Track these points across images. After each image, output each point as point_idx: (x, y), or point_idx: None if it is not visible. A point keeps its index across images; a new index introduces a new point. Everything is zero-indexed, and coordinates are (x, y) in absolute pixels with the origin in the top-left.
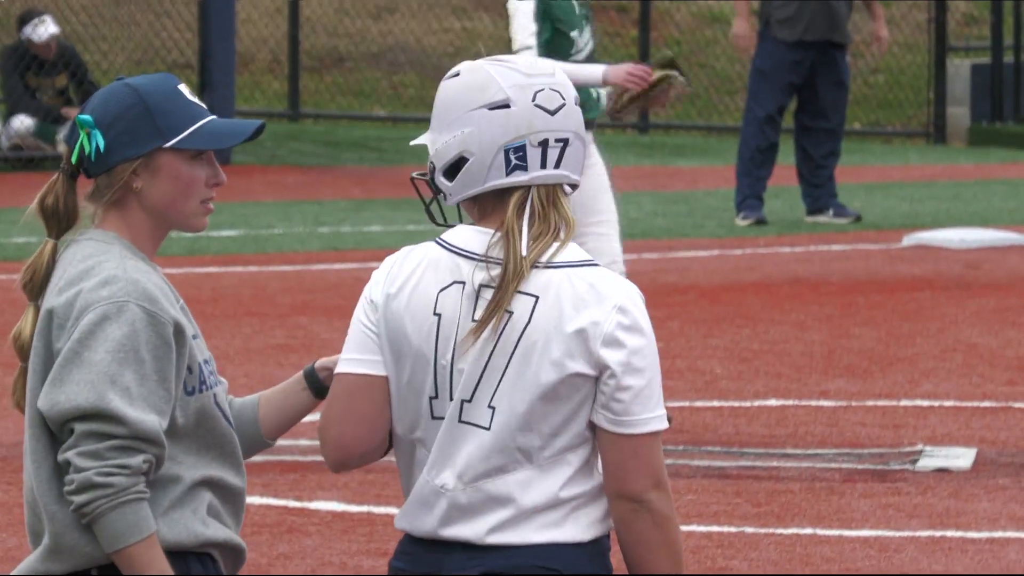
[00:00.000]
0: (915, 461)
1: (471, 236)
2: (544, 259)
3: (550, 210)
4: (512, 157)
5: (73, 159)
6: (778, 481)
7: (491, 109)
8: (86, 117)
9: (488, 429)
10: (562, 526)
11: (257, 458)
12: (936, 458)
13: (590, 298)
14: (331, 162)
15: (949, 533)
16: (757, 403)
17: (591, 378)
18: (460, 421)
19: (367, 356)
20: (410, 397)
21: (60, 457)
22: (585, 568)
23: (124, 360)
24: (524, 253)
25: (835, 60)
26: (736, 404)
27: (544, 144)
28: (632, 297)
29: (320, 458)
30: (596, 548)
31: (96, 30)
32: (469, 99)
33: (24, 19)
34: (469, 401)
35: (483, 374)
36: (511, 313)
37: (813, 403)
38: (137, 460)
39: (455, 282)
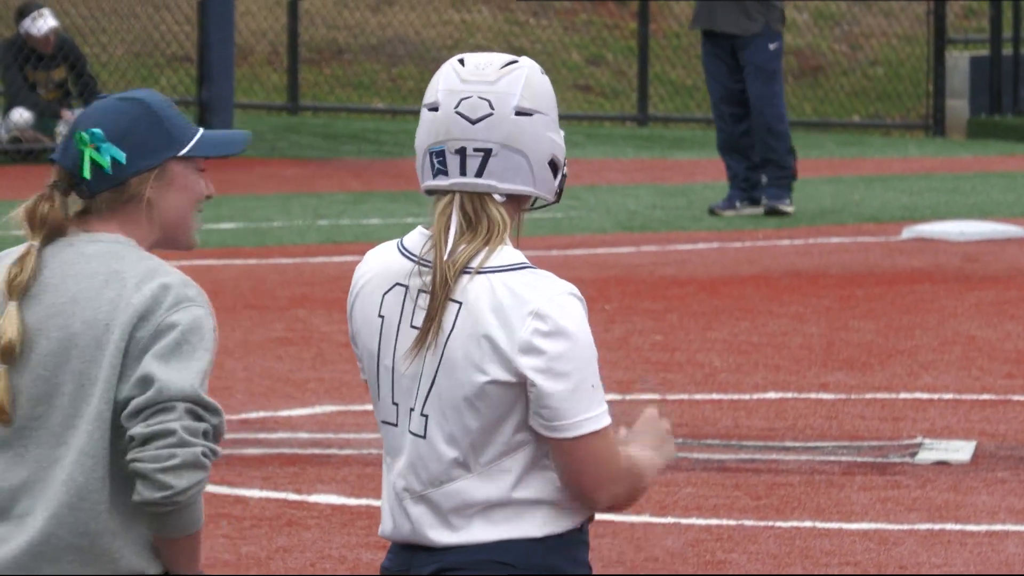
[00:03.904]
0: (914, 454)
1: (417, 237)
2: (474, 264)
3: (481, 215)
4: (434, 161)
5: (86, 173)
6: (777, 474)
7: (428, 110)
8: (96, 131)
9: (424, 438)
10: (515, 523)
11: (256, 451)
12: (935, 451)
13: (509, 304)
14: (330, 155)
15: (948, 526)
16: (756, 396)
17: (515, 384)
18: (408, 431)
19: (360, 363)
20: (375, 396)
21: (160, 426)
22: (540, 561)
23: (211, 363)
24: (446, 258)
25: (744, 50)
26: (735, 397)
27: (462, 152)
28: (555, 299)
29: (319, 451)
30: (556, 543)
31: (95, 23)
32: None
33: (23, 12)
34: (412, 409)
35: (419, 382)
36: (440, 321)
37: (812, 396)
38: (219, 451)
39: (397, 284)
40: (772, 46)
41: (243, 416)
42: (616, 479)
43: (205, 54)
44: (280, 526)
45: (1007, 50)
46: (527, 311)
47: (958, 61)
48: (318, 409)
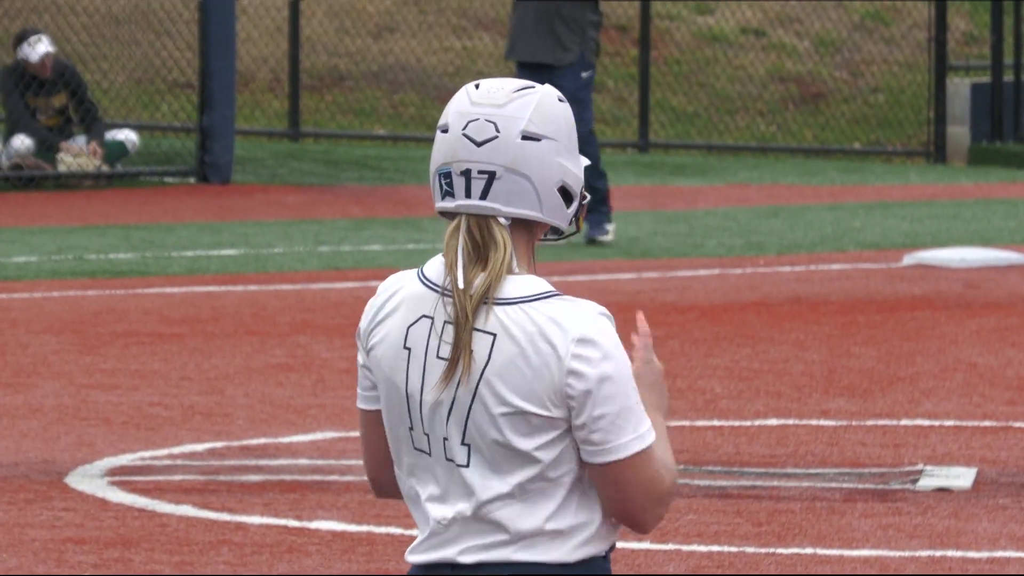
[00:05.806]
0: (915, 481)
1: (438, 267)
2: (499, 295)
3: (488, 239)
4: (443, 182)
5: None
6: (778, 501)
7: (440, 132)
8: None
9: (467, 467)
10: (548, 548)
11: (256, 478)
12: (936, 478)
13: (549, 333)
14: (331, 181)
15: (949, 553)
16: (757, 423)
17: (556, 418)
18: (446, 459)
19: (365, 391)
20: (397, 427)
21: None
22: None
23: None
24: (462, 286)
25: (557, 80)
26: (736, 424)
27: (467, 174)
28: (594, 323)
29: (320, 477)
30: (584, 569)
31: (97, 49)
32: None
33: (21, 38)
34: (448, 439)
35: (450, 413)
36: (472, 352)
37: (813, 422)
38: None
39: (423, 316)
40: (584, 75)
41: (244, 442)
42: (662, 498)
43: (206, 81)
44: (281, 553)
45: (1008, 77)
46: (571, 338)
47: (959, 88)
48: (319, 435)
